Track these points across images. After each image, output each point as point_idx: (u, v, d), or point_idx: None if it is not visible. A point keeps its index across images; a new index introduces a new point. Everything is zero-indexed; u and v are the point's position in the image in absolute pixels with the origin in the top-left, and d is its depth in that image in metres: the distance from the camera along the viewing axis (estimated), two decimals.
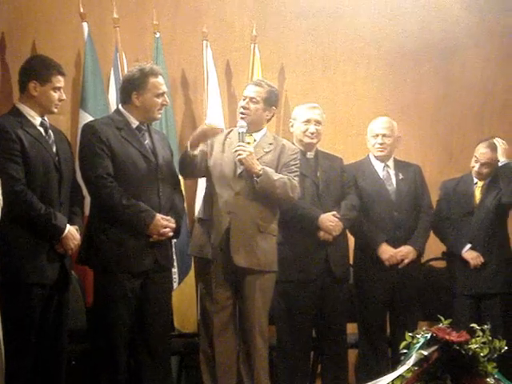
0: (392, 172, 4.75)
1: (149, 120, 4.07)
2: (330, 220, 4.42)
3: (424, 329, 2.94)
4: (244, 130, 4.14)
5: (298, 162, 4.27)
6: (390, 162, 4.77)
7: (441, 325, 2.92)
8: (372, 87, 5.64)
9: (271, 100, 4.26)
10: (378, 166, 4.76)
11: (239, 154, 4.06)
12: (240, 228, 4.09)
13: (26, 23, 4.79)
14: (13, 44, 4.74)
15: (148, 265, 3.93)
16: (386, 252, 4.60)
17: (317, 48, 5.53)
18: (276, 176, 4.12)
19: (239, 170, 4.13)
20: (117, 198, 3.85)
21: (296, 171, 4.24)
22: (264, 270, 4.14)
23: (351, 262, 4.73)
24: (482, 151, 4.77)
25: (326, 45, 5.55)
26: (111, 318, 3.89)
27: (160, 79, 4.04)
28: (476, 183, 4.83)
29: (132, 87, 4.01)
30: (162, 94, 4.04)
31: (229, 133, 4.29)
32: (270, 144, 4.24)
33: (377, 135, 4.72)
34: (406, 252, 4.63)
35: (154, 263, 3.95)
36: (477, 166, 4.78)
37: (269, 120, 4.36)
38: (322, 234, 4.42)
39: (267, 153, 4.21)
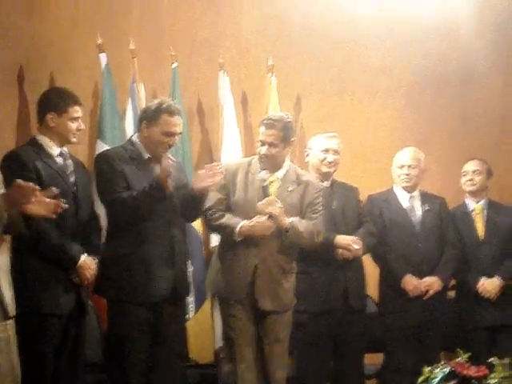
0: (417, 203, 4.73)
1: (154, 155, 3.95)
2: (345, 238, 4.38)
3: (442, 363, 2.90)
4: (267, 183, 4.10)
5: (321, 199, 4.20)
6: (416, 193, 4.75)
7: (459, 359, 2.87)
8: (389, 115, 5.64)
9: (289, 135, 4.15)
10: (403, 197, 4.74)
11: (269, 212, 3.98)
12: (266, 272, 4.04)
13: (43, 55, 4.83)
14: (31, 76, 4.78)
15: (162, 295, 3.88)
16: (410, 283, 4.57)
17: (333, 77, 5.55)
18: (302, 226, 4.05)
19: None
20: None
21: (320, 210, 4.17)
22: (287, 309, 4.14)
23: (368, 292, 4.70)
24: (468, 163, 4.89)
25: (342, 73, 5.57)
26: (126, 348, 3.86)
27: (175, 119, 3.93)
28: (473, 210, 4.82)
29: (144, 117, 3.99)
30: (172, 135, 3.92)
31: (249, 166, 4.17)
32: (293, 182, 4.16)
33: (402, 166, 4.71)
34: (430, 282, 4.60)
35: (172, 292, 3.91)
36: (467, 178, 4.83)
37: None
38: (340, 251, 4.36)
39: (291, 192, 4.12)
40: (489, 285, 4.67)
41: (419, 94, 5.67)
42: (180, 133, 4.00)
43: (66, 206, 3.36)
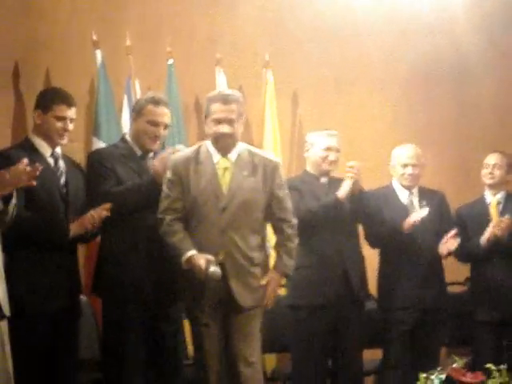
0: (416, 199, 4.69)
1: (143, 149, 3.92)
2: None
3: (439, 369, 2.88)
4: (220, 170, 3.80)
5: (282, 175, 3.94)
6: (415, 190, 4.71)
7: (455, 365, 2.85)
8: (386, 110, 5.63)
9: (243, 112, 3.87)
10: (402, 194, 4.70)
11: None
12: (235, 267, 3.75)
13: (39, 52, 4.80)
14: (26, 73, 4.75)
15: (154, 293, 3.84)
16: (407, 221, 4.49)
17: (330, 72, 5.52)
18: (289, 257, 3.88)
19: (222, 204, 3.76)
20: None
21: (285, 186, 3.94)
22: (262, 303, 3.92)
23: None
24: (489, 156, 4.84)
25: (339, 69, 5.54)
26: (122, 347, 3.84)
27: (160, 109, 3.90)
28: (489, 204, 4.79)
29: (133, 111, 4.01)
30: (157, 124, 3.88)
31: (197, 155, 3.82)
32: (248, 164, 3.82)
33: (405, 165, 4.65)
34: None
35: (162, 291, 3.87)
36: (487, 171, 4.78)
37: None
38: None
39: (247, 176, 3.80)
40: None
41: (418, 89, 5.65)
42: (167, 124, 3.94)
43: (41, 167, 3.30)
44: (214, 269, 3.66)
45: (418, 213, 4.53)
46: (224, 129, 3.77)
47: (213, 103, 3.80)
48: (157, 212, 3.79)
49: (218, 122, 3.77)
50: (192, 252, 3.71)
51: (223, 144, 3.80)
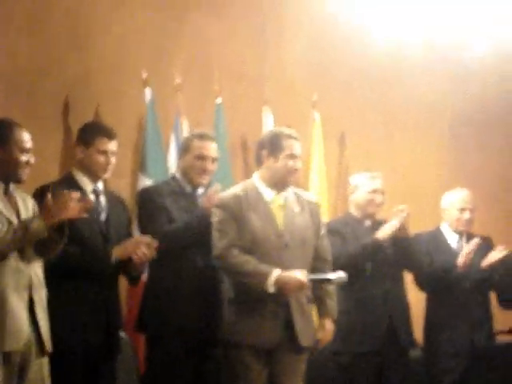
0: (465, 244, 4.64)
1: (193, 184, 3.95)
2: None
3: None
4: (275, 206, 3.81)
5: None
6: (464, 235, 4.68)
7: None
8: (434, 154, 5.60)
9: None
10: (452, 238, 4.68)
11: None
12: (298, 304, 3.74)
13: (89, 88, 4.82)
14: (76, 109, 4.77)
15: (204, 334, 3.81)
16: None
17: (377, 114, 5.52)
18: (331, 300, 3.87)
19: (284, 241, 3.75)
20: None
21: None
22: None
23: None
24: None
25: (386, 111, 5.55)
26: None
27: (206, 143, 3.93)
28: None
29: (180, 148, 4.06)
30: (204, 158, 3.91)
31: (246, 194, 3.80)
32: (295, 202, 3.85)
33: (463, 209, 4.65)
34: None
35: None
36: None
37: None
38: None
39: (298, 213, 3.82)
40: None
41: (465, 131, 5.61)
42: (214, 157, 3.95)
43: (92, 201, 3.34)
44: (336, 274, 3.70)
45: (468, 246, 4.50)
46: (299, 165, 3.86)
47: (287, 139, 3.85)
48: (212, 253, 3.73)
49: (293, 158, 3.82)
50: (278, 271, 3.65)
51: (294, 179, 3.88)
